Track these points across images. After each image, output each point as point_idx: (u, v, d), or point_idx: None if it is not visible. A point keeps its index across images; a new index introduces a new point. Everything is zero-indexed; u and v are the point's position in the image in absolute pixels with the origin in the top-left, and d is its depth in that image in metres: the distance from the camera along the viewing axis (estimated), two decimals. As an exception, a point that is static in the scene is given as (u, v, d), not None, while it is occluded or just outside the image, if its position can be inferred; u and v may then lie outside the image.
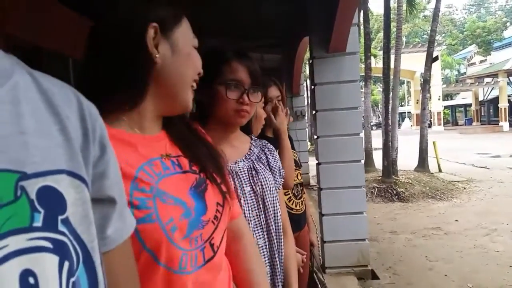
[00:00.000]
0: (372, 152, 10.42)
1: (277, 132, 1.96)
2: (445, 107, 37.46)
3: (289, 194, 2.15)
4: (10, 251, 0.40)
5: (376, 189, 8.00)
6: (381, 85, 9.94)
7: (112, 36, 0.80)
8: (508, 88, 30.25)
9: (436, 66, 26.63)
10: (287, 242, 1.37)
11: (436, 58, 12.05)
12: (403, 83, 36.70)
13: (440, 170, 10.70)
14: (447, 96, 39.09)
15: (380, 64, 9.49)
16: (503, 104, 29.40)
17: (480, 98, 34.33)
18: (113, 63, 0.79)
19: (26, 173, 0.43)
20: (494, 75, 30.17)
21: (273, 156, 1.39)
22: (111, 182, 0.57)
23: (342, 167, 3.86)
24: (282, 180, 1.40)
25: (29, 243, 0.42)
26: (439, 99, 30.26)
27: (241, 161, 1.29)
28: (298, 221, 2.19)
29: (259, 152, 1.36)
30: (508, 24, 37.87)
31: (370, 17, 11.71)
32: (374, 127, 23.43)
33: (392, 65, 9.27)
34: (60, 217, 0.46)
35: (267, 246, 1.29)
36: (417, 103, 26.13)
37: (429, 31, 10.83)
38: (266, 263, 1.28)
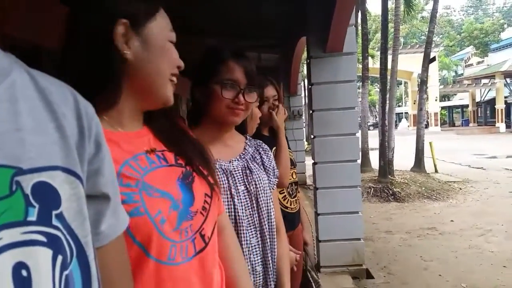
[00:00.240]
0: (368, 152, 10.45)
1: (277, 130, 1.99)
2: (442, 108, 37.59)
3: (284, 192, 2.17)
4: (4, 244, 0.41)
5: (372, 189, 8.02)
6: (379, 86, 9.96)
7: (83, 32, 0.78)
8: (505, 89, 30.40)
9: (433, 67, 26.70)
10: (280, 242, 1.38)
11: (433, 59, 12.09)
12: (401, 83, 36.74)
13: (436, 171, 10.74)
14: (444, 97, 39.17)
15: (377, 65, 9.51)
16: (500, 106, 29.53)
17: (477, 99, 34.44)
18: (85, 61, 0.78)
19: (21, 168, 0.44)
20: (491, 76, 30.29)
21: (267, 156, 1.40)
22: (106, 179, 0.58)
23: (338, 167, 3.88)
24: (276, 180, 1.41)
25: (23, 236, 0.43)
26: (436, 100, 30.34)
27: (235, 160, 1.29)
28: (292, 220, 2.21)
29: (254, 151, 1.37)
30: (505, 26, 37.93)
31: (368, 17, 11.73)
32: (371, 127, 23.43)
33: (389, 66, 9.30)
34: (54, 212, 0.47)
35: (260, 245, 1.30)
36: (414, 103, 26.18)
37: (426, 32, 10.86)
38: (258, 263, 1.28)
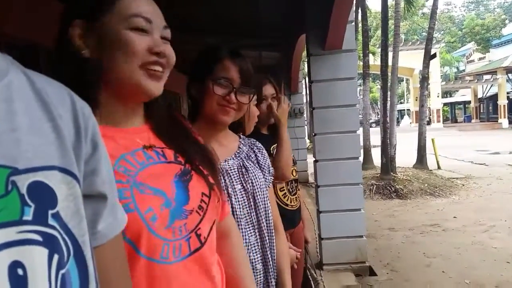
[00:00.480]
0: (370, 149, 10.45)
1: (278, 123, 1.98)
2: (444, 104, 37.50)
3: (284, 190, 2.17)
4: (0, 243, 0.42)
5: (375, 186, 8.02)
6: (380, 83, 9.94)
7: (58, 32, 0.81)
8: (507, 85, 30.29)
9: (435, 64, 26.67)
10: (279, 239, 1.38)
11: (434, 56, 12.06)
12: (402, 80, 36.69)
13: (438, 167, 10.72)
14: (446, 93, 39.09)
15: (379, 62, 9.50)
16: (502, 101, 29.43)
17: (479, 95, 34.35)
18: (59, 62, 0.81)
19: (17, 168, 0.45)
20: (493, 72, 30.20)
21: (262, 154, 1.40)
22: (103, 179, 0.58)
23: (339, 164, 3.87)
24: (272, 178, 1.41)
25: (19, 235, 0.43)
26: (438, 96, 30.31)
27: (230, 159, 1.29)
28: (292, 218, 2.21)
29: (248, 150, 1.37)
30: (507, 21, 37.84)
31: (369, 14, 11.72)
32: (373, 125, 23.45)
33: (390, 63, 9.29)
34: (50, 212, 0.47)
35: (259, 244, 1.30)
36: (416, 100, 26.13)
37: (427, 29, 10.83)
38: (258, 261, 1.29)
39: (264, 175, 1.36)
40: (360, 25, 10.19)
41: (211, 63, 1.23)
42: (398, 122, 34.71)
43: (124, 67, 0.80)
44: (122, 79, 0.81)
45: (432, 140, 10.97)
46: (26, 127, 0.47)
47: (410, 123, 32.21)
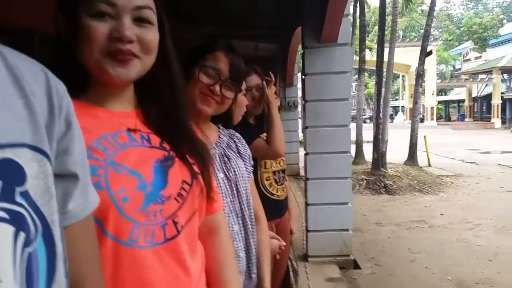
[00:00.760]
0: (362, 145, 10.48)
1: (268, 104, 2.01)
2: (439, 102, 37.61)
3: (270, 179, 2.18)
4: None
5: (365, 181, 8.07)
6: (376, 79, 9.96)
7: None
8: (502, 85, 30.43)
9: (431, 61, 26.69)
10: (260, 229, 1.40)
11: (430, 53, 12.06)
12: (398, 77, 36.71)
13: (429, 164, 10.79)
14: (441, 91, 39.21)
15: (375, 57, 9.49)
16: (496, 101, 29.61)
17: (474, 94, 34.49)
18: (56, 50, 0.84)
19: None
20: (489, 71, 30.32)
21: (242, 144, 1.41)
22: (75, 158, 0.58)
23: (329, 158, 3.89)
24: (252, 168, 1.42)
25: None
26: (433, 94, 30.41)
27: (212, 148, 1.29)
28: (278, 207, 2.22)
29: (228, 140, 1.38)
30: (504, 21, 37.87)
31: (368, 10, 11.69)
32: (367, 120, 23.42)
33: (386, 58, 9.29)
34: (18, 189, 0.47)
35: (242, 232, 1.31)
36: (411, 97, 26.17)
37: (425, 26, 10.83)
38: (241, 249, 1.30)
39: (245, 164, 1.37)
40: (358, 20, 10.17)
41: (204, 52, 1.24)
42: (392, 119, 34.79)
43: (90, 57, 0.79)
44: (91, 67, 0.81)
45: (424, 137, 11.03)
46: None
47: (404, 120, 32.30)
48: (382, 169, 8.50)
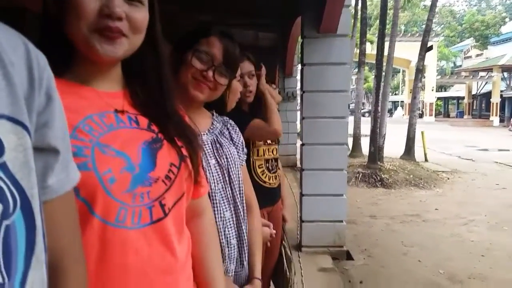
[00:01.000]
0: (360, 138, 10.49)
1: (263, 92, 2.13)
2: (438, 98, 37.59)
3: (262, 167, 2.18)
4: None
5: (361, 174, 8.08)
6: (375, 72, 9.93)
7: None
8: (502, 83, 30.42)
9: (432, 57, 26.63)
10: (252, 217, 1.39)
11: (430, 48, 12.02)
12: (399, 72, 36.64)
13: (426, 160, 10.83)
14: (441, 87, 39.16)
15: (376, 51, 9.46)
16: (495, 99, 29.62)
17: (474, 92, 34.48)
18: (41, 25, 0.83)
19: None
20: (489, 69, 30.30)
21: (235, 131, 1.40)
22: (55, 133, 0.57)
23: (325, 149, 3.88)
24: (245, 156, 1.41)
25: None
26: (432, 90, 30.37)
27: (204, 134, 1.28)
28: (271, 195, 2.23)
29: (222, 127, 1.37)
30: (507, 19, 37.72)
31: (370, 3, 11.62)
32: (366, 114, 23.38)
33: (386, 53, 9.25)
34: None
35: (234, 219, 1.31)
36: (410, 92, 26.13)
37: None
38: (233, 236, 1.29)
39: (238, 151, 1.37)
40: (359, 12, 10.11)
41: (198, 36, 1.21)
42: (391, 113, 34.80)
43: (78, 32, 0.77)
44: (78, 43, 0.79)
45: (422, 132, 11.04)
46: None
47: (403, 115, 32.31)
48: (378, 162, 8.51)
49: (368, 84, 29.55)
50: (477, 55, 37.05)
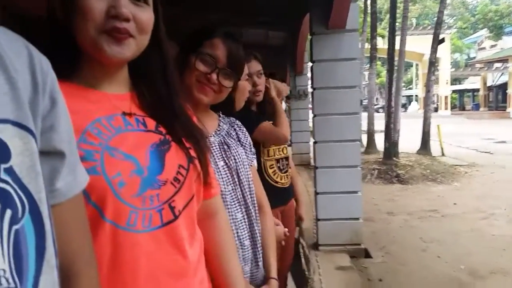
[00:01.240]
0: (374, 134, 10.40)
1: (272, 101, 2.17)
2: (453, 91, 37.09)
3: (273, 167, 2.17)
4: None
5: (376, 170, 8.01)
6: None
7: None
8: (518, 73, 29.85)
9: (445, 50, 26.26)
10: (264, 217, 1.38)
11: (442, 40, 11.85)
12: (412, 65, 36.24)
13: (443, 154, 10.67)
14: (455, 80, 38.63)
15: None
16: (512, 90, 29.08)
17: (489, 84, 33.91)
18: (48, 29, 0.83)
19: None
20: (504, 60, 29.71)
21: (242, 132, 1.39)
22: (61, 136, 0.57)
23: (338, 146, 3.85)
24: (254, 156, 1.40)
25: None
26: (447, 83, 29.95)
27: (211, 136, 1.27)
28: (283, 195, 2.21)
29: (229, 128, 1.36)
30: (521, 8, 37.04)
31: (379, -3, 11.51)
32: (380, 110, 23.17)
33: (398, 46, 9.15)
34: (3, 166, 0.46)
35: (246, 220, 1.30)
36: (424, 86, 25.86)
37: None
38: (246, 237, 1.29)
39: (246, 152, 1.35)
40: (370, 7, 10.02)
41: (202, 38, 1.21)
42: (405, 108, 34.42)
43: (85, 34, 0.77)
44: (86, 45, 0.79)
45: (438, 126, 10.89)
46: None
47: (418, 109, 31.92)
48: (394, 158, 8.42)
49: (381, 79, 29.27)
50: (492, 46, 36.47)
